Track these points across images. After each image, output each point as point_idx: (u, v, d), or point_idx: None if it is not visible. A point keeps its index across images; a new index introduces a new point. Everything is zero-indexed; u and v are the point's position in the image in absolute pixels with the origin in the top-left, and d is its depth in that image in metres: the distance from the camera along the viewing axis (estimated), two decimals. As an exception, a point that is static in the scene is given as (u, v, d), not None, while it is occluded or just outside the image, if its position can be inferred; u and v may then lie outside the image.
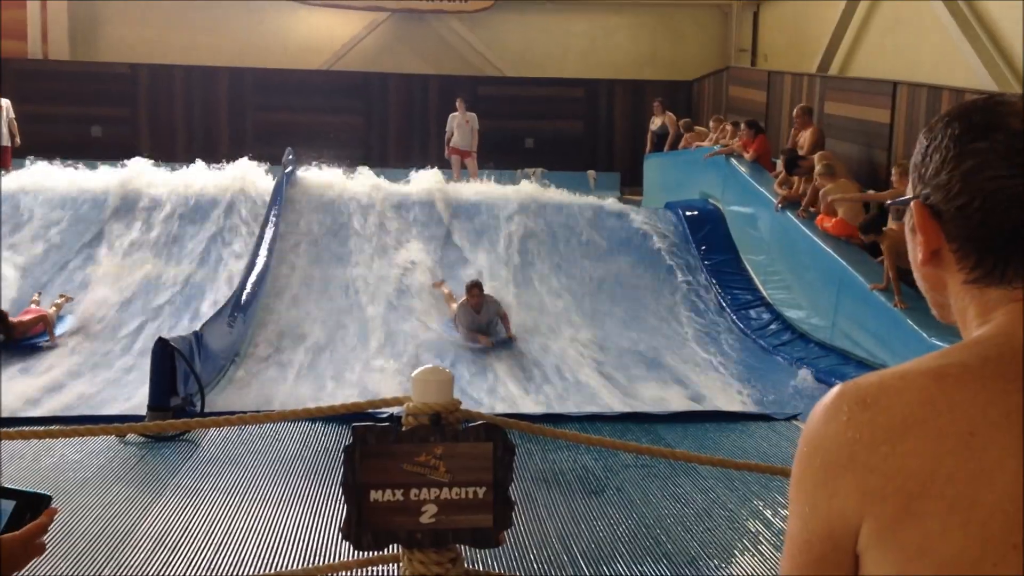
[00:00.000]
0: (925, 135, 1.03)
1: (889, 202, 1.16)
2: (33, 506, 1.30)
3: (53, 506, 1.33)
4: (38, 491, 1.34)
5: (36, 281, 10.05)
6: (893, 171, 8.67)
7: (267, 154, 13.33)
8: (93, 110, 16.69)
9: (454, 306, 9.47)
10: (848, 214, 9.18)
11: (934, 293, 1.04)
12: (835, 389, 0.99)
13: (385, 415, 5.31)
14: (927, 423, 0.88)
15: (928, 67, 10.90)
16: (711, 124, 13.48)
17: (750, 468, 3.32)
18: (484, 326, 9.19)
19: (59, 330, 9.12)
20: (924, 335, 7.29)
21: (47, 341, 8.84)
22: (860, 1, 12.92)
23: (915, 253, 1.03)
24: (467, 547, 3.33)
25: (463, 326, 9.19)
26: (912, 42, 11.59)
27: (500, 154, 15.47)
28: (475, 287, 9.21)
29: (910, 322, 7.60)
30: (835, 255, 9.00)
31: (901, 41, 11.93)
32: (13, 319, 8.79)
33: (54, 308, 9.29)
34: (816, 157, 9.85)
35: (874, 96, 10.55)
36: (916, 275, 1.05)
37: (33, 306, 9.25)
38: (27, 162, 13.07)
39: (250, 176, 12.27)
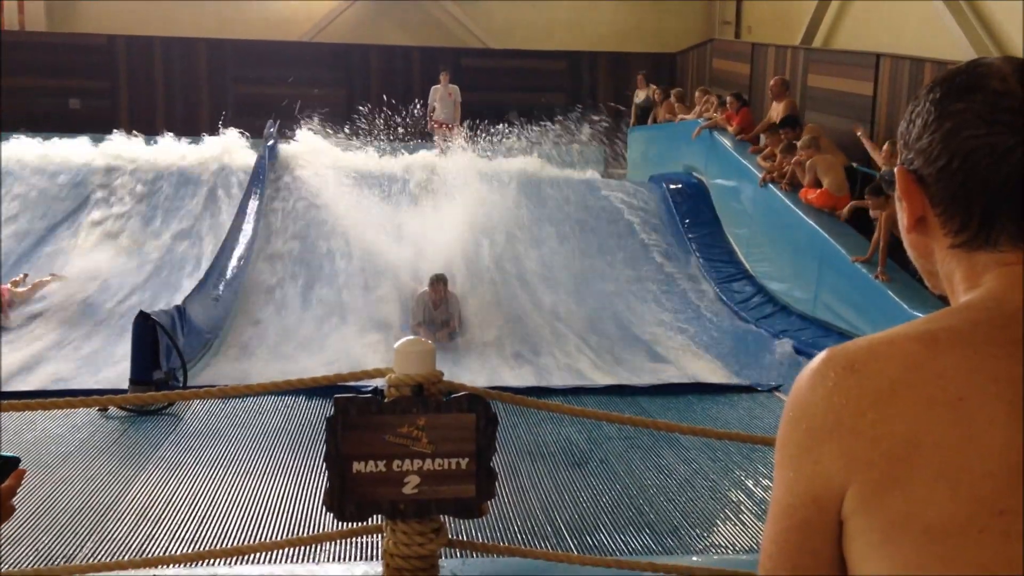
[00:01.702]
0: (911, 103, 1.03)
1: (879, 175, 1.15)
2: (1, 470, 1.29)
3: (29, 473, 1.32)
4: (4, 454, 1.33)
5: (13, 254, 9.94)
6: (884, 147, 8.64)
7: (249, 126, 13.21)
8: (71, 82, 16.47)
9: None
10: (832, 186, 9.20)
11: (923, 261, 1.03)
12: (822, 354, 0.98)
13: (368, 388, 5.31)
14: (915, 388, 0.88)
15: (911, 39, 10.90)
16: (696, 96, 13.44)
17: (731, 437, 3.34)
18: (437, 325, 8.83)
19: (34, 307, 8.93)
20: (906, 307, 7.34)
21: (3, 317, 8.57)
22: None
23: (902, 221, 1.02)
24: (450, 518, 3.34)
25: (414, 319, 8.84)
26: (896, 14, 11.58)
27: (483, 126, 15.38)
28: (439, 282, 8.88)
29: (891, 294, 7.65)
30: (818, 227, 9.03)
31: (885, 13, 11.91)
32: None
33: (31, 287, 9.04)
34: (806, 128, 9.87)
35: (857, 68, 10.55)
36: (905, 243, 1.04)
37: (7, 286, 8.97)
38: (5, 136, 12.90)
39: (232, 148, 12.18)
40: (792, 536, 0.93)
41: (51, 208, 10.89)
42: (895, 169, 1.02)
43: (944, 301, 1.01)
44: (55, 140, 12.37)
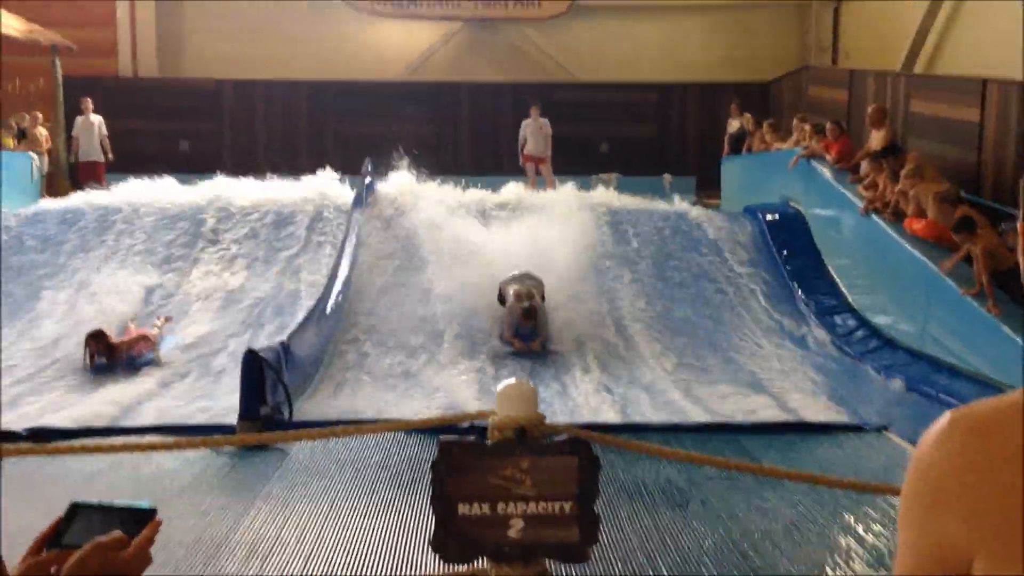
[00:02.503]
0: None
1: (1001, 228, 1.14)
2: (139, 519, 1.35)
3: (157, 518, 1.38)
4: (142, 505, 1.39)
5: (129, 293, 10.40)
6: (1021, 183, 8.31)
7: (346, 164, 13.59)
8: (181, 125, 17.26)
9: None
10: (938, 216, 8.91)
11: None
12: (946, 416, 0.98)
13: (468, 425, 5.35)
14: None
15: (1020, 64, 10.50)
16: (793, 124, 13.22)
17: (842, 485, 3.26)
18: (530, 330, 9.24)
19: (166, 347, 9.13)
20: (1019, 341, 7.03)
21: (151, 360, 8.74)
22: (946, -5, 12.55)
23: None
24: (552, 561, 3.34)
25: (509, 330, 9.27)
26: (1003, 38, 11.18)
27: (575, 160, 15.46)
28: (532, 312, 9.22)
29: (1005, 328, 7.34)
30: (924, 258, 8.74)
31: (991, 36, 11.53)
32: (114, 340, 8.73)
33: (155, 329, 9.25)
34: (910, 157, 9.62)
35: (962, 94, 10.23)
36: None
37: (132, 326, 9.24)
38: (118, 178, 13.60)
39: (331, 187, 12.56)
40: None
41: (161, 248, 11.38)
42: (1017, 225, 1.02)
43: None
44: (165, 181, 12.97)
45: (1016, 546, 0.85)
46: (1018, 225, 1.01)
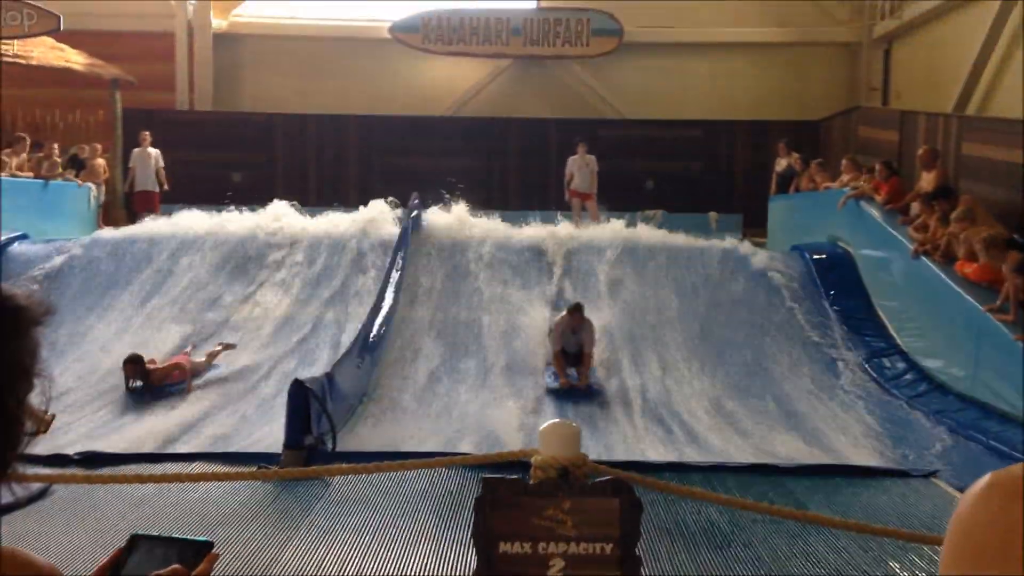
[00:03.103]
0: None
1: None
2: (196, 552, 1.39)
3: (214, 551, 1.42)
4: (199, 539, 1.42)
5: (184, 320, 10.61)
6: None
7: (394, 197, 13.77)
8: (234, 157, 17.64)
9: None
10: (988, 260, 8.77)
11: None
12: (986, 478, 0.99)
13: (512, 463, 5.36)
14: None
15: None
16: (843, 164, 13.13)
17: (888, 534, 3.21)
18: (575, 345, 9.39)
19: (208, 375, 9.32)
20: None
21: (183, 388, 8.95)
22: (1000, 35, 12.42)
23: None
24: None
25: (554, 346, 9.41)
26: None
27: (620, 196, 15.50)
28: (576, 310, 9.49)
29: (1059, 375, 7.18)
30: (975, 302, 8.60)
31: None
32: (153, 364, 9.01)
33: (206, 357, 9.46)
34: (961, 200, 9.51)
35: (1015, 137, 10.09)
36: None
37: (183, 354, 9.48)
38: (175, 207, 13.92)
39: (378, 219, 12.72)
40: None
41: (213, 276, 11.60)
42: None
43: None
44: (219, 212, 13.25)
45: None
46: None
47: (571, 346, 9.48)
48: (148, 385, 8.87)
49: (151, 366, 9.00)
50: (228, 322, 10.70)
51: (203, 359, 9.48)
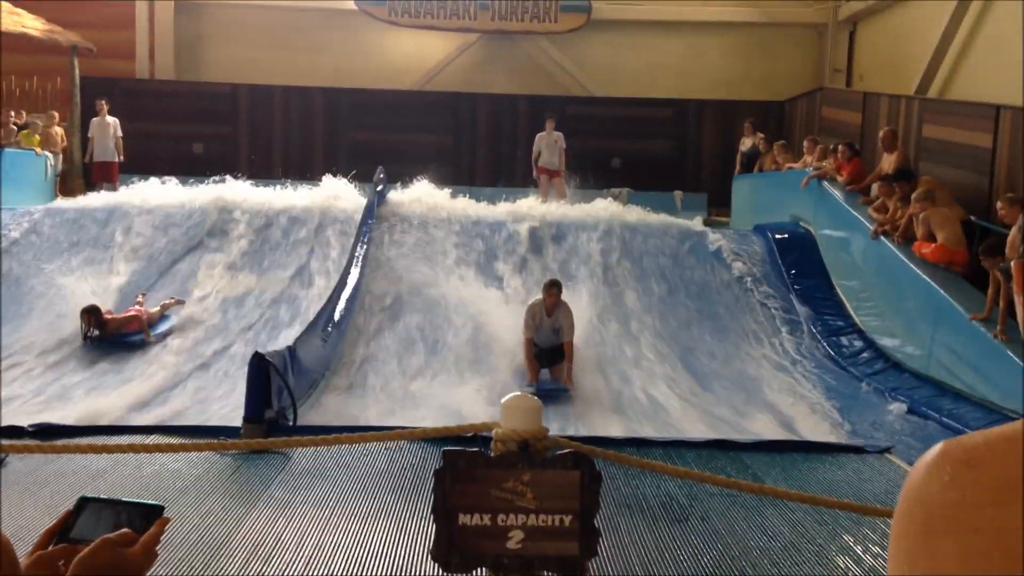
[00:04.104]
0: None
1: (1001, 267, 1.15)
2: (147, 516, 1.37)
3: (167, 515, 1.40)
4: (149, 502, 1.41)
5: (135, 289, 10.49)
6: (999, 203, 8.28)
7: (359, 172, 13.66)
8: (195, 128, 17.37)
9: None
10: (948, 240, 8.91)
11: None
12: (937, 447, 0.98)
13: (471, 436, 5.37)
14: None
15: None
16: (805, 145, 13.25)
17: (841, 507, 3.27)
18: (550, 332, 8.74)
19: (161, 328, 9.64)
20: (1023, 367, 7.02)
21: (141, 338, 9.33)
22: (962, 20, 12.55)
23: (1020, 311, 1.03)
24: (551, 573, 3.36)
25: (527, 329, 8.68)
26: (1017, 64, 11.19)
27: (587, 173, 15.52)
28: (553, 286, 8.81)
29: (1011, 354, 7.33)
30: (933, 283, 8.74)
31: (1006, 63, 11.53)
32: (108, 316, 9.30)
33: (159, 308, 9.80)
34: (921, 181, 9.62)
35: (976, 120, 10.23)
36: None
37: (136, 307, 9.74)
38: (131, 179, 13.69)
39: (343, 194, 12.61)
40: None
41: (169, 248, 11.46)
42: (1012, 264, 1.03)
43: None
44: (177, 183, 13.06)
45: (1008, 571, 0.87)
46: (1013, 263, 1.02)
47: (547, 338, 8.71)
48: (104, 334, 9.17)
49: (107, 316, 9.29)
50: (188, 296, 10.57)
51: (156, 310, 9.77)
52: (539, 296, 9.02)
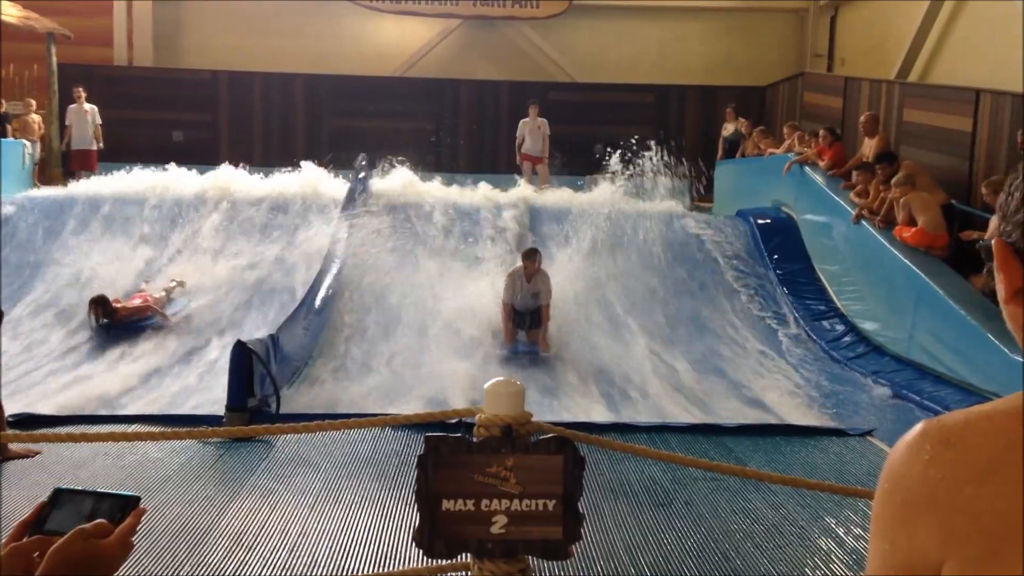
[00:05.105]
0: (1011, 175, 1.03)
1: (978, 244, 1.15)
2: (123, 507, 1.36)
3: (141, 506, 1.39)
4: (125, 493, 1.39)
5: (121, 281, 10.41)
6: (984, 188, 8.34)
7: (341, 158, 13.59)
8: (175, 115, 17.22)
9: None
10: (928, 224, 8.96)
11: (1021, 332, 1.03)
12: (917, 427, 0.99)
13: (455, 422, 5.37)
14: (1014, 465, 0.88)
15: (1014, 75, 10.57)
16: (785, 131, 13.28)
17: (822, 488, 3.29)
18: (528, 297, 9.22)
19: (175, 309, 9.74)
20: (1006, 351, 7.07)
21: (157, 322, 9.41)
22: (943, 4, 12.59)
23: (1000, 292, 1.02)
24: (535, 558, 3.36)
25: (506, 294, 9.19)
26: (997, 49, 11.25)
27: (570, 160, 15.49)
28: (534, 253, 9.34)
29: (991, 336, 7.39)
30: (913, 266, 8.80)
31: (986, 47, 11.59)
32: (118, 304, 9.32)
33: (164, 292, 9.82)
34: (902, 166, 9.67)
35: (956, 104, 10.28)
36: (1004, 314, 1.04)
37: (141, 294, 9.75)
38: (112, 167, 13.56)
39: (325, 181, 12.54)
40: None
41: (149, 238, 11.37)
42: (992, 241, 1.02)
43: None
44: (157, 171, 12.95)
45: (984, 555, 0.87)
46: (994, 241, 1.02)
47: (525, 302, 9.22)
48: (114, 322, 9.20)
49: (116, 305, 9.31)
50: (170, 285, 10.49)
51: (162, 294, 9.78)
52: (519, 264, 9.46)
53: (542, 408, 7.37)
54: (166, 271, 10.71)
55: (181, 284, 10.09)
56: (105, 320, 9.16)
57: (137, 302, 9.46)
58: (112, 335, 9.13)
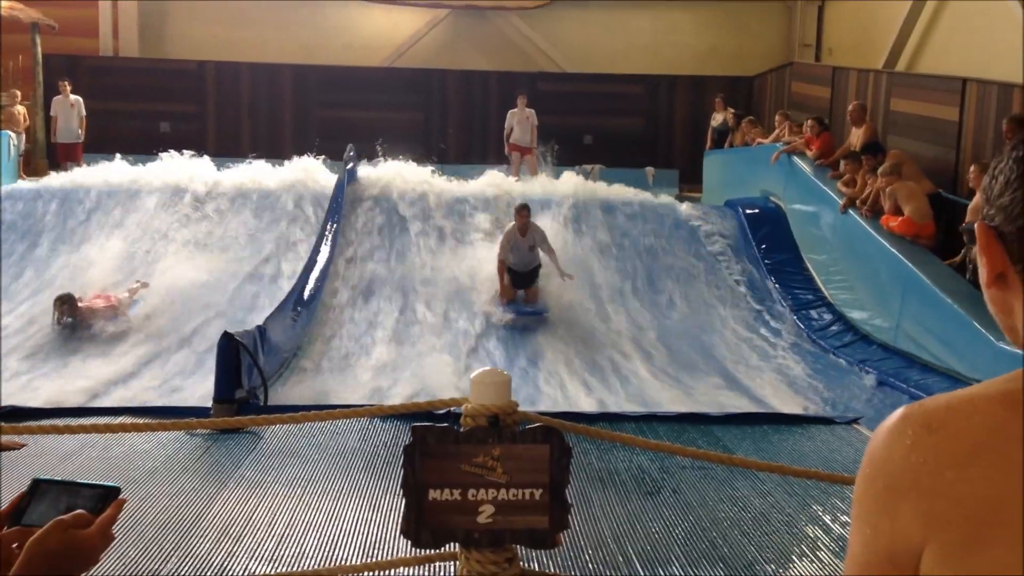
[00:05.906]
0: (996, 158, 1.03)
1: (961, 227, 1.15)
2: (103, 498, 1.35)
3: (124, 496, 1.38)
4: (106, 484, 1.38)
5: (104, 272, 10.35)
6: (972, 170, 8.35)
7: (330, 150, 13.53)
8: (162, 106, 17.10)
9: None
10: (915, 213, 8.99)
11: (1003, 316, 1.03)
12: (899, 411, 0.98)
13: (443, 412, 5.37)
14: (996, 450, 0.88)
15: (1000, 64, 10.60)
16: (776, 119, 13.28)
17: (809, 476, 3.30)
18: (526, 251, 9.48)
19: (136, 311, 9.59)
20: (992, 339, 7.11)
21: (121, 321, 9.29)
22: (930, -5, 12.63)
23: (982, 275, 1.02)
24: (523, 547, 3.37)
25: (502, 251, 9.49)
26: (983, 39, 11.29)
27: (559, 150, 15.47)
28: (523, 208, 9.70)
29: (977, 325, 7.43)
30: (900, 256, 8.83)
31: (972, 37, 11.62)
32: (82, 304, 9.23)
33: (127, 293, 9.73)
34: (889, 155, 9.70)
35: (943, 93, 10.31)
36: (985, 298, 1.04)
37: (105, 293, 9.67)
38: (97, 158, 13.47)
39: (312, 172, 12.49)
40: None
41: (137, 228, 11.31)
42: (975, 225, 1.02)
43: None
44: (144, 162, 12.87)
45: (966, 539, 0.87)
46: (976, 224, 1.01)
47: (522, 257, 9.47)
48: (78, 321, 9.15)
49: (81, 304, 9.24)
50: (158, 276, 10.45)
51: (125, 295, 9.71)
52: (512, 223, 9.80)
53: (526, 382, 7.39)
54: (148, 266, 10.64)
55: (144, 285, 10.03)
56: (68, 319, 9.12)
57: (100, 303, 9.40)
58: (75, 334, 9.06)
